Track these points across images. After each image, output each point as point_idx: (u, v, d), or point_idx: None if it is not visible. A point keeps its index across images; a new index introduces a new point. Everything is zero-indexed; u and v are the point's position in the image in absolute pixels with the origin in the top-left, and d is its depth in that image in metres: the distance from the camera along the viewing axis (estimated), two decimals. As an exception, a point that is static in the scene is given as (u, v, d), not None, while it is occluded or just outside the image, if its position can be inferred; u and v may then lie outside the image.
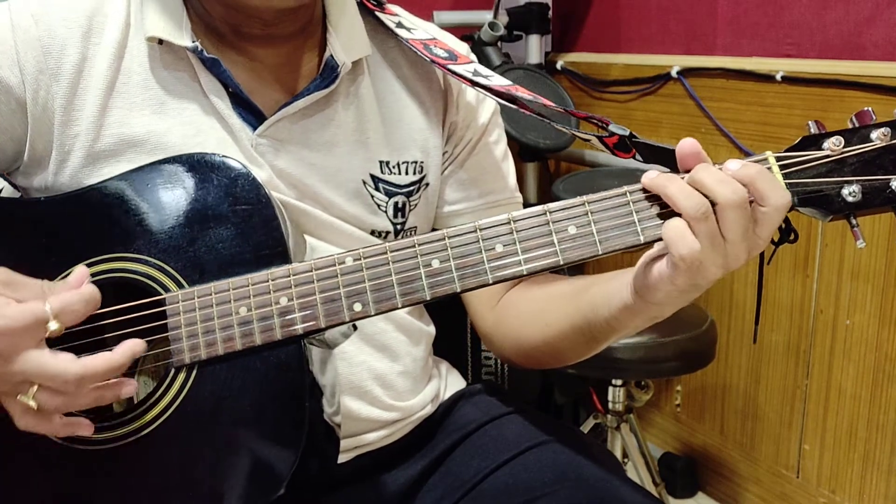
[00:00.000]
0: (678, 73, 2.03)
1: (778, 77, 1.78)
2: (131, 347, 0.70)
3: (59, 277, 0.77)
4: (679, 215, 0.68)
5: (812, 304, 1.82)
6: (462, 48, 0.99)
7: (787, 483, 1.95)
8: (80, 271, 0.72)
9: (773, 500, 1.99)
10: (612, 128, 0.80)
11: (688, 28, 2.04)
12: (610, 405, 1.87)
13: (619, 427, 1.87)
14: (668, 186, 0.69)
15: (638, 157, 0.81)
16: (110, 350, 0.70)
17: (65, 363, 0.66)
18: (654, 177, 0.70)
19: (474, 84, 0.89)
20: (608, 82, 2.28)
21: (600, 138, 0.83)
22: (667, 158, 0.74)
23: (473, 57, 1.00)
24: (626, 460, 1.88)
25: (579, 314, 0.85)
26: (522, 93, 0.88)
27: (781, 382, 1.92)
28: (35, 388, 0.66)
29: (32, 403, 0.66)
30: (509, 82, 0.91)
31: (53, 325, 0.66)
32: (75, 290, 0.69)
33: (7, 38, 0.81)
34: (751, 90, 1.87)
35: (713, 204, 0.67)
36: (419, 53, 0.91)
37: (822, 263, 1.78)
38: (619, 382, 1.85)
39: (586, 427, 1.93)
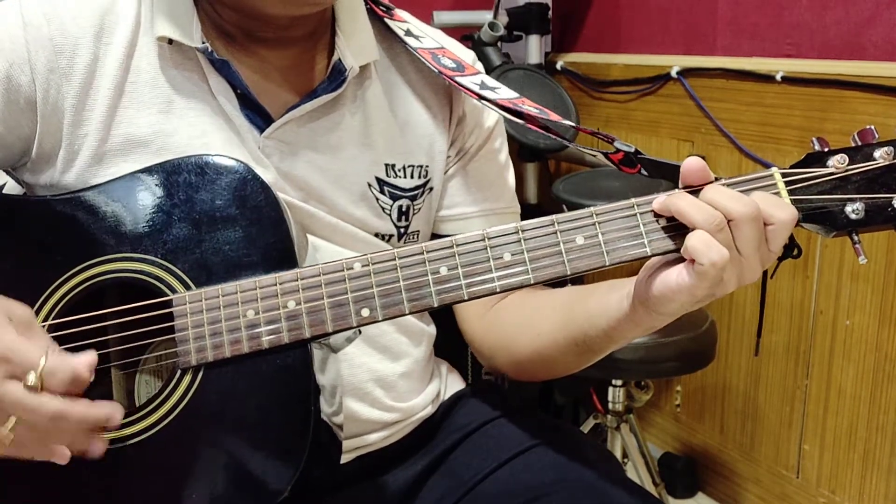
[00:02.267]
0: (678, 73, 2.03)
1: (778, 77, 1.79)
2: (112, 409, 0.70)
3: (63, 278, 0.77)
4: (687, 228, 0.69)
5: (812, 304, 1.82)
6: (468, 57, 0.99)
7: (787, 483, 1.95)
8: (90, 357, 0.70)
9: (773, 500, 2.00)
10: (617, 144, 0.81)
11: (688, 28, 2.04)
12: (610, 405, 1.87)
13: (619, 427, 1.87)
14: (678, 203, 0.69)
15: (643, 171, 0.81)
16: (90, 399, 0.70)
17: (43, 400, 0.66)
18: (663, 199, 0.71)
19: (481, 98, 0.90)
20: (608, 82, 2.29)
21: (605, 154, 0.84)
22: (672, 173, 0.75)
23: (480, 66, 1.00)
24: (626, 460, 1.88)
25: (575, 325, 0.85)
26: (529, 106, 0.88)
27: (781, 382, 1.92)
28: (13, 420, 0.66)
29: (8, 436, 0.67)
30: (516, 94, 0.91)
31: (31, 379, 0.66)
32: (72, 366, 0.68)
33: (18, 37, 0.81)
34: (751, 90, 1.87)
35: (728, 221, 0.68)
36: (427, 64, 0.91)
37: (821, 264, 1.78)
38: (619, 383, 1.86)
39: (586, 427, 1.94)
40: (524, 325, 0.93)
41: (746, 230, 0.68)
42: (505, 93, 0.91)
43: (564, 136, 0.88)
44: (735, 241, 0.69)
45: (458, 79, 0.91)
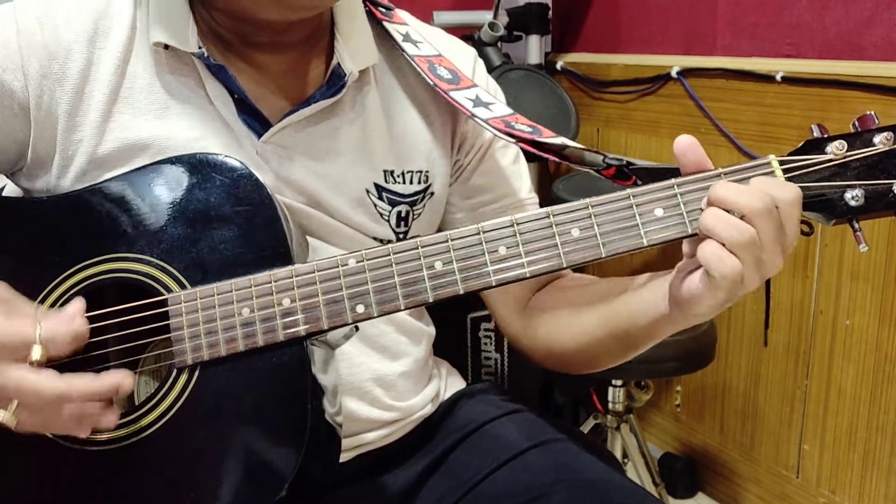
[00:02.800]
0: (678, 73, 2.03)
1: (778, 77, 1.78)
2: (118, 379, 0.70)
3: (59, 279, 0.77)
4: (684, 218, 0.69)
5: (812, 304, 1.82)
6: (467, 61, 0.99)
7: (787, 483, 1.95)
8: (77, 306, 0.72)
9: (773, 500, 1.99)
10: (608, 159, 0.81)
11: (688, 28, 2.04)
12: (610, 405, 1.87)
13: (619, 427, 1.87)
14: (707, 221, 0.68)
15: (639, 182, 0.80)
16: (96, 371, 0.70)
17: (44, 381, 0.67)
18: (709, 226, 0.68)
19: (473, 115, 0.89)
20: (608, 82, 2.29)
21: (597, 170, 0.83)
22: (667, 177, 0.74)
23: (481, 64, 0.99)
24: (626, 460, 1.88)
25: (618, 323, 0.85)
26: (522, 124, 0.88)
27: (781, 382, 1.92)
28: (15, 403, 0.67)
29: (12, 420, 0.67)
30: (510, 111, 0.91)
31: (37, 353, 0.67)
32: (67, 323, 0.69)
33: (11, 42, 0.80)
34: (751, 90, 1.87)
35: (741, 216, 0.67)
36: (422, 74, 0.91)
37: (821, 263, 1.78)
38: (619, 382, 1.85)
39: (586, 427, 1.94)
40: (567, 323, 0.92)
41: (761, 225, 0.67)
42: (499, 109, 0.91)
43: (557, 153, 0.88)
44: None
45: (451, 93, 0.90)
